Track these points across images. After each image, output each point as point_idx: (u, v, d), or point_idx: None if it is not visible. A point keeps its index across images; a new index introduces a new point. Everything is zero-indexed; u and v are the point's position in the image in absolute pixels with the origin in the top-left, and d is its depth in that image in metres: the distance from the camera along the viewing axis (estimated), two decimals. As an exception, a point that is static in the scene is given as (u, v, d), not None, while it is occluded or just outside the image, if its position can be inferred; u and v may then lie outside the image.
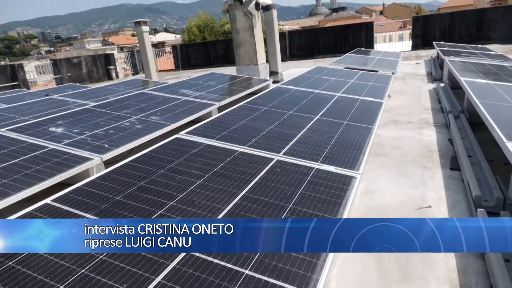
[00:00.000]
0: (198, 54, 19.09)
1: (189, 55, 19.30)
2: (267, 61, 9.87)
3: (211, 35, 30.64)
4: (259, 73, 10.23)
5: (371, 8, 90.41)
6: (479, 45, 10.76)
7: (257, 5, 8.85)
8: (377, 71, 7.46)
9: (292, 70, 12.45)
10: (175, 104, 5.21)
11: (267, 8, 8.73)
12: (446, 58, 6.16)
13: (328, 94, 4.47)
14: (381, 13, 73.90)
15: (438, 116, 4.48)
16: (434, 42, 10.78)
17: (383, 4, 78.50)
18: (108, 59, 18.20)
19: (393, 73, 7.50)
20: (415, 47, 14.89)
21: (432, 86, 6.64)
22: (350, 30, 15.89)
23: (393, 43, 17.87)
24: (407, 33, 32.84)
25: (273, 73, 9.16)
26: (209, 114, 5.19)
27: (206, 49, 18.83)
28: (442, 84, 6.12)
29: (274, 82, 9.20)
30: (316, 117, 3.53)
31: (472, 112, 3.90)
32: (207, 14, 32.62)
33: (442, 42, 10.97)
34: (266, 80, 7.29)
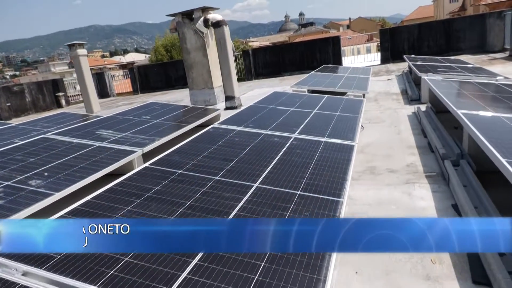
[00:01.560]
0: (158, 76, 17.74)
1: (148, 77, 17.92)
2: (223, 84, 8.68)
3: (179, 54, 29.44)
4: (216, 98, 9.02)
5: (338, 22, 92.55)
6: (451, 57, 10.05)
7: (206, 22, 7.68)
8: (345, 93, 6.39)
9: (255, 91, 11.33)
10: (80, 154, 3.85)
11: (217, 24, 7.58)
12: (426, 77, 5.15)
13: (280, 137, 3.26)
14: (348, 27, 75.50)
15: (427, 159, 3.35)
16: (404, 56, 9.98)
17: (350, 18, 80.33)
18: (57, 85, 16.52)
19: (364, 95, 6.46)
20: (384, 60, 14.19)
21: (410, 109, 5.60)
22: (316, 45, 15.07)
23: (361, 55, 17.20)
24: (374, 45, 33.20)
25: (229, 98, 7.96)
26: (127, 166, 3.86)
27: (166, 70, 17.53)
28: (423, 108, 5.09)
29: (229, 108, 7.99)
30: (255, 185, 2.28)
31: (478, 157, 2.79)
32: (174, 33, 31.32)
33: (413, 56, 10.19)
34: (215, 110, 6.05)
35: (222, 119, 4.67)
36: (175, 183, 2.30)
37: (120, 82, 20.73)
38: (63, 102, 16.39)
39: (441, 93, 3.79)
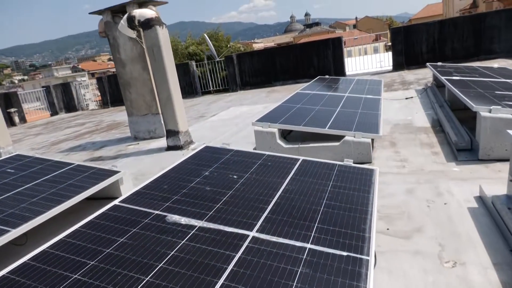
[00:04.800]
0: (130, 86, 15.18)
1: (119, 87, 15.35)
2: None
3: (176, 58, 27.17)
4: (163, 127, 6.40)
5: (345, 22, 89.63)
6: (494, 65, 7.29)
7: (131, 21, 5.06)
8: (342, 138, 3.72)
9: (230, 110, 8.68)
10: None
11: (147, 25, 4.96)
12: (508, 130, 2.47)
13: None
14: (354, 26, 72.64)
15: None
16: (428, 64, 7.26)
17: (356, 18, 77.43)
18: (9, 100, 14.09)
19: (373, 143, 3.82)
20: (397, 67, 11.46)
21: (464, 179, 2.92)
22: (314, 48, 12.39)
23: (368, 56, 14.49)
24: (381, 44, 30.41)
25: (171, 133, 5.34)
26: None
27: (140, 79, 14.95)
28: (499, 188, 2.40)
29: (172, 148, 5.37)
30: None
31: None
32: (170, 36, 28.98)
33: (439, 64, 7.46)
34: (110, 174, 3.41)
35: (136, 187, 2.16)
36: None
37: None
38: (16, 119, 13.95)
39: None
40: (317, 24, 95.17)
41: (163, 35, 5.08)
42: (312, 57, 12.38)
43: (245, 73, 13.29)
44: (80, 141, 7.77)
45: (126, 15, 5.11)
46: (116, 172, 3.49)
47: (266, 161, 2.72)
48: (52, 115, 15.80)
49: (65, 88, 15.98)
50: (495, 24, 10.55)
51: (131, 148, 6.12)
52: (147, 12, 5.00)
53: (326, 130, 3.86)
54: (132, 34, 5.27)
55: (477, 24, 10.73)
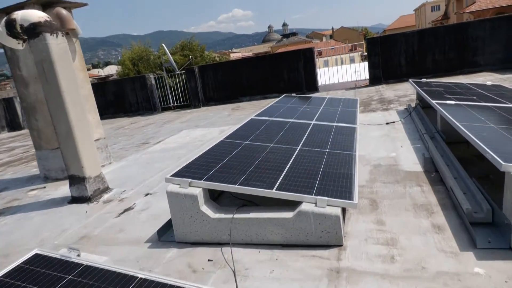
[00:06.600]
0: (82, 102, 13.51)
1: (70, 103, 13.65)
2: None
3: (147, 69, 25.62)
4: (79, 165, 4.91)
5: (321, 32, 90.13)
6: (488, 82, 6.20)
7: (10, 26, 3.60)
8: (297, 207, 2.39)
9: (182, 134, 7.25)
10: None
11: (32, 31, 3.53)
12: None
13: None
14: (331, 37, 72.98)
15: None
16: (411, 81, 6.12)
17: (332, 28, 77.91)
18: None
19: (343, 219, 2.53)
20: (374, 81, 10.38)
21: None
22: (283, 60, 11.18)
23: (344, 66, 13.40)
24: (357, 54, 30.03)
25: (74, 180, 3.88)
26: None
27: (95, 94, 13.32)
28: None
29: (76, 199, 3.90)
30: None
31: None
32: (141, 45, 27.43)
33: (423, 80, 6.34)
34: None
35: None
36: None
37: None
38: None
39: None
40: (294, 34, 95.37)
41: (57, 46, 3.65)
42: (282, 70, 11.16)
43: (209, 87, 11.92)
44: (-14, 178, 6.15)
45: (4, 19, 3.65)
46: None
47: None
48: (10, 130, 13.88)
49: (8, 103, 14.12)
50: (478, 34, 9.66)
51: (32, 194, 4.59)
52: (32, 15, 3.56)
53: (273, 193, 2.52)
54: (17, 45, 3.82)
55: (459, 35, 9.81)
